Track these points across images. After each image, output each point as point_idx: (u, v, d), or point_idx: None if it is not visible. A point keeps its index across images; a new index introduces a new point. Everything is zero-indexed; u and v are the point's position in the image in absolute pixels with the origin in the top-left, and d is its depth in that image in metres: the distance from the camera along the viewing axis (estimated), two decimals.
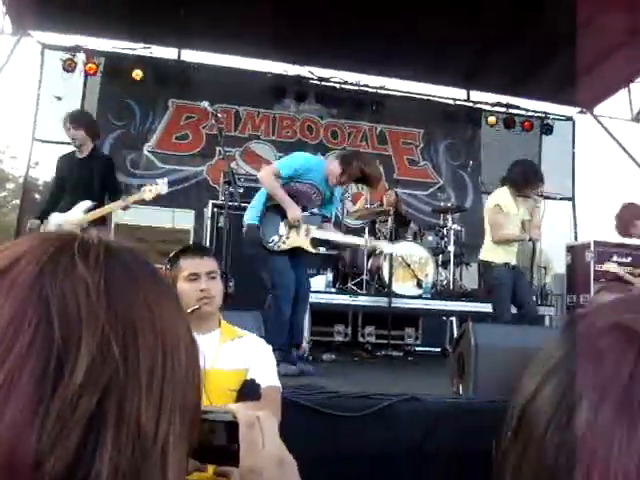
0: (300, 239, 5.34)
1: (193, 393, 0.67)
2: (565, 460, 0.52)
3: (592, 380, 0.54)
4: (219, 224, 6.69)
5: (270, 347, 2.95)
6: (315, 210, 5.51)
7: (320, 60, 10.57)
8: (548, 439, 0.54)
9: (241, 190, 6.87)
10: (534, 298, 10.62)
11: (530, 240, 6.19)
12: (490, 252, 6.13)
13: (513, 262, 6.12)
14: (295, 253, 5.33)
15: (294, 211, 5.21)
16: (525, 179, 6.08)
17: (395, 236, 7.60)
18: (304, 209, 5.33)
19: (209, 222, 7.23)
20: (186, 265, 2.82)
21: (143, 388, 0.60)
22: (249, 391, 2.65)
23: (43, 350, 0.56)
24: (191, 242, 7.63)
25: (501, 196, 6.16)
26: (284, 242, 5.24)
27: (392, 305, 6.82)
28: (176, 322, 0.67)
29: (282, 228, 5.24)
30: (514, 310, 6.33)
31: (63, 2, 8.25)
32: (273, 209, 5.24)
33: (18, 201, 12.47)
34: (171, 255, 2.91)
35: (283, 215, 5.23)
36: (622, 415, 0.51)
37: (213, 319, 2.86)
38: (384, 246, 6.60)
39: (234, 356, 2.76)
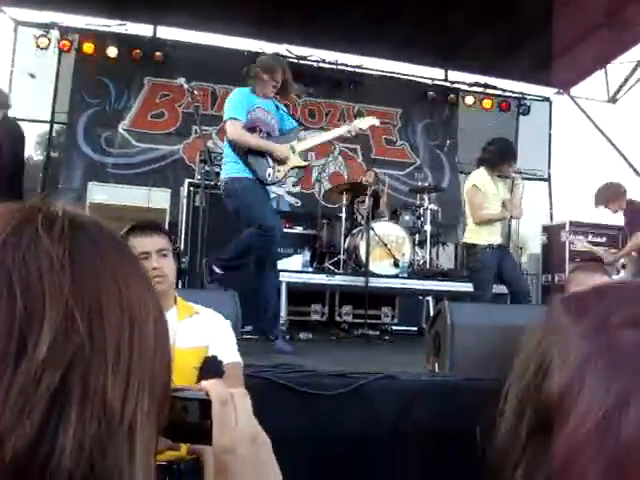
0: (292, 159, 5.32)
1: (162, 369, 0.66)
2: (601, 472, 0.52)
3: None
4: (195, 203, 6.65)
5: (229, 322, 2.90)
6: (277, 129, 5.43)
7: (298, 38, 10.50)
8: (583, 448, 0.54)
9: (218, 169, 6.84)
10: None
11: (512, 218, 6.23)
12: (473, 233, 6.13)
13: (497, 242, 6.12)
14: None
15: (278, 148, 5.21)
16: (500, 156, 6.09)
17: (373, 216, 7.59)
18: (269, 134, 5.29)
19: (185, 201, 7.18)
20: (136, 244, 2.68)
21: (109, 364, 0.59)
22: (211, 368, 2.61)
23: (5, 325, 0.55)
24: (166, 221, 7.58)
25: (478, 177, 6.16)
26: (279, 170, 5.22)
27: (369, 284, 6.82)
28: (144, 296, 0.65)
29: (270, 161, 5.20)
30: (503, 289, 6.41)
31: None
32: (251, 153, 5.17)
33: None
34: (120, 234, 2.81)
35: (262, 153, 5.19)
36: None
37: (168, 297, 2.78)
38: (361, 123, 5.94)
39: (193, 333, 2.71)
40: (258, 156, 5.16)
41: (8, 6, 9.58)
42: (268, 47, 10.52)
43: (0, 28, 9.91)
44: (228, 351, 2.76)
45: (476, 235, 6.08)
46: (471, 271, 6.50)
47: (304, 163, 5.46)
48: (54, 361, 0.55)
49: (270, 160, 5.18)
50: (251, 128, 5.18)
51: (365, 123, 5.88)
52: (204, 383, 0.84)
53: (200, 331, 2.75)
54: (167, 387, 0.68)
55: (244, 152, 5.13)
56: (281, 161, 5.22)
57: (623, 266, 7.70)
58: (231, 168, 5.20)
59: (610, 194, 7.13)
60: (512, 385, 0.65)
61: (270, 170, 5.17)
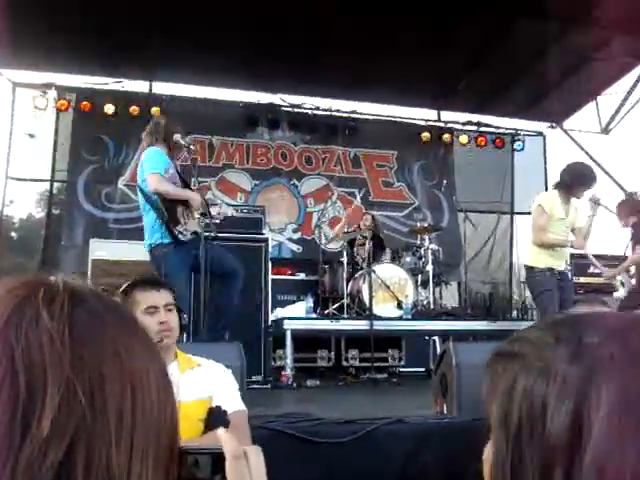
0: (194, 222, 5.34)
1: (167, 429, 0.67)
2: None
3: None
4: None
5: (230, 371, 2.92)
6: None
7: (291, 87, 10.65)
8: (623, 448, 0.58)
9: (217, 221, 6.89)
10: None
11: (571, 246, 5.96)
12: (533, 256, 5.93)
13: (560, 267, 5.89)
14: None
15: (195, 199, 5.31)
16: (575, 179, 5.86)
17: (374, 258, 7.63)
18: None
19: None
20: (143, 298, 2.78)
21: (112, 434, 0.60)
22: (216, 419, 2.62)
23: (9, 403, 0.57)
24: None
25: (546, 198, 5.98)
26: (187, 229, 5.23)
27: (374, 328, 6.83)
28: (146, 363, 0.67)
29: (183, 218, 5.22)
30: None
31: (33, 40, 8.26)
32: (168, 210, 5.18)
33: None
34: (123, 288, 2.87)
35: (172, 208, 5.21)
36: None
37: (170, 351, 2.82)
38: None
39: (196, 385, 2.73)
40: (173, 210, 5.19)
41: (5, 68, 9.75)
42: (263, 97, 10.68)
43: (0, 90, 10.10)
44: (231, 400, 2.77)
45: (535, 257, 5.89)
46: (533, 296, 6.24)
47: (213, 222, 5.42)
48: (58, 436, 0.57)
49: (183, 215, 5.23)
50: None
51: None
52: (220, 432, 0.84)
53: (202, 383, 2.76)
54: (173, 446, 0.69)
55: (161, 210, 5.15)
56: (191, 214, 5.28)
57: (622, 283, 7.65)
58: (151, 236, 5.21)
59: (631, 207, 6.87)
60: (495, 431, 0.68)
61: (180, 227, 5.19)
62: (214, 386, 2.77)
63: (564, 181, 5.91)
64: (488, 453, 0.72)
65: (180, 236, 5.17)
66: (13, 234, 12.25)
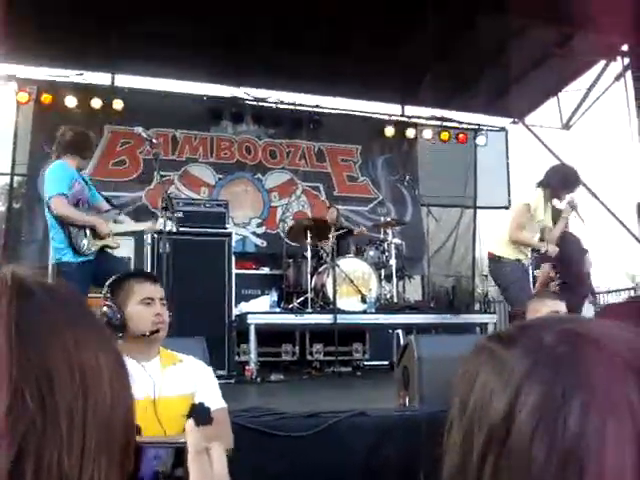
0: (108, 238, 5.29)
1: (122, 425, 0.66)
2: (556, 463, 0.57)
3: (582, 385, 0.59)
4: (160, 250, 6.64)
5: (210, 368, 2.95)
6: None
7: (255, 81, 10.63)
8: (536, 447, 0.58)
9: (180, 214, 6.85)
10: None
11: (545, 253, 5.93)
12: (502, 247, 5.88)
13: (525, 261, 5.91)
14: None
15: (102, 225, 5.17)
16: (564, 183, 5.86)
17: (338, 252, 7.65)
18: (85, 204, 5.25)
19: (149, 248, 7.16)
20: (140, 289, 2.82)
21: (64, 437, 0.59)
22: (199, 415, 2.60)
23: None
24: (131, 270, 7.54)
25: (534, 198, 5.89)
26: (95, 244, 5.15)
27: (338, 321, 6.85)
28: (98, 358, 0.65)
29: (88, 232, 5.12)
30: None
31: None
32: (72, 225, 5.11)
33: None
34: (116, 277, 2.89)
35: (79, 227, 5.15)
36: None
37: (155, 346, 2.84)
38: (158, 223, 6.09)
39: (178, 381, 2.75)
40: (77, 230, 5.10)
41: None
42: (226, 90, 10.64)
43: None
44: (214, 397, 2.80)
45: (505, 249, 5.84)
46: (503, 288, 6.17)
47: (114, 245, 5.37)
48: (6, 444, 0.56)
49: (88, 231, 5.13)
50: (75, 203, 5.15)
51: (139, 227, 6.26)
52: (186, 425, 0.84)
53: (184, 379, 2.78)
54: (129, 440, 0.68)
55: (67, 228, 5.07)
56: (99, 236, 5.19)
57: None
58: (62, 254, 5.12)
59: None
60: (454, 421, 0.69)
61: (85, 241, 5.11)
62: (196, 382, 2.80)
63: (551, 182, 5.87)
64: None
65: (86, 253, 5.09)
66: None
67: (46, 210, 5.23)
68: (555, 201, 5.98)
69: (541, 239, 6.05)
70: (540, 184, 5.92)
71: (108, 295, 2.83)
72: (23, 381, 0.58)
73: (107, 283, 2.88)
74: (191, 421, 0.84)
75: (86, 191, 5.30)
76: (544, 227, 6.01)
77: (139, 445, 0.75)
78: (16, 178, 10.01)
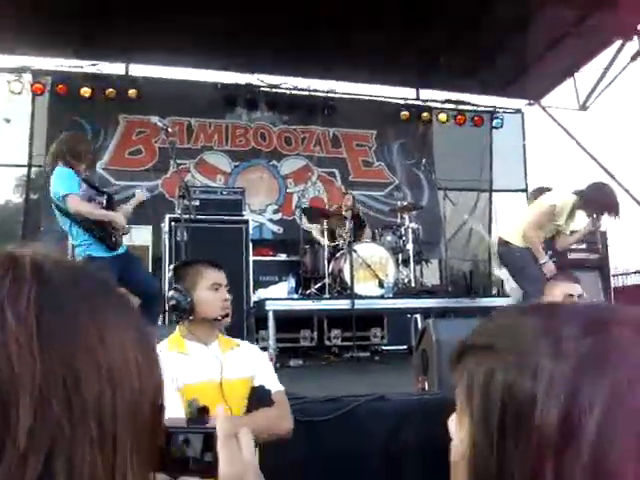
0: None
1: (151, 412, 0.66)
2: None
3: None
4: (177, 238, 6.68)
5: (266, 353, 3.12)
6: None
7: (269, 67, 10.61)
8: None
9: (197, 203, 6.89)
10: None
11: (542, 264, 5.75)
12: (513, 235, 5.85)
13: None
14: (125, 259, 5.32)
15: (118, 218, 5.22)
16: (601, 207, 5.73)
17: (354, 238, 7.65)
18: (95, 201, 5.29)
19: (167, 236, 7.20)
20: (209, 274, 2.92)
21: (94, 434, 0.58)
22: (260, 397, 2.78)
23: None
24: (149, 257, 7.61)
25: (563, 201, 5.77)
26: (120, 235, 5.26)
27: (355, 307, 6.86)
28: (125, 349, 0.63)
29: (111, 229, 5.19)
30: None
31: (7, 24, 8.14)
32: (95, 225, 5.14)
33: None
34: (183, 262, 3.00)
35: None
36: None
37: (215, 331, 2.95)
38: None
39: (239, 365, 2.85)
40: (101, 226, 5.15)
41: None
42: (240, 78, 10.62)
43: None
44: (272, 380, 2.91)
45: (515, 237, 5.82)
46: (512, 272, 6.16)
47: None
48: (35, 448, 0.54)
49: (110, 228, 5.19)
50: (87, 201, 5.17)
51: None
52: (218, 411, 0.85)
53: (244, 362, 2.88)
54: (157, 428, 0.68)
55: (89, 226, 5.11)
56: (119, 229, 5.25)
57: None
58: (84, 249, 5.17)
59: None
60: (477, 425, 0.68)
61: (117, 237, 5.21)
62: (254, 366, 2.90)
63: (589, 197, 5.73)
64: (457, 439, 0.73)
65: (116, 247, 5.17)
66: None
67: (57, 212, 5.26)
68: (581, 212, 5.88)
69: (550, 240, 5.99)
70: (578, 195, 5.76)
71: (173, 279, 2.95)
72: (47, 384, 0.56)
73: (172, 267, 2.97)
74: (220, 408, 0.85)
75: (92, 195, 5.30)
76: (560, 232, 5.94)
77: (169, 430, 0.76)
78: (33, 169, 10.06)
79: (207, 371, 2.73)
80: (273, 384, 2.89)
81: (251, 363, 2.89)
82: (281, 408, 2.82)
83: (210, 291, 2.88)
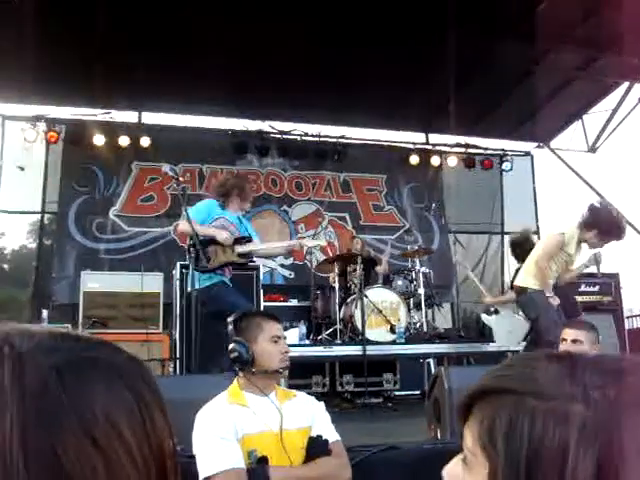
0: (227, 255, 5.55)
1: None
2: None
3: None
4: (188, 285, 6.69)
5: (322, 403, 3.05)
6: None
7: (280, 114, 10.74)
8: None
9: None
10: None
11: (556, 284, 5.81)
12: (528, 278, 5.82)
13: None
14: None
15: (222, 233, 5.48)
16: (605, 234, 5.68)
17: (366, 282, 7.64)
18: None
19: (178, 284, 7.22)
20: (269, 327, 2.96)
21: None
22: (318, 448, 2.78)
23: None
24: (161, 305, 7.63)
25: (570, 229, 5.77)
26: (213, 260, 5.45)
27: (367, 353, 6.82)
28: (122, 435, 0.59)
29: (209, 251, 5.43)
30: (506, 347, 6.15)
31: (21, 73, 8.30)
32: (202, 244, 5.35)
33: None
34: (242, 314, 3.01)
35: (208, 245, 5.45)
36: None
37: (276, 381, 3.01)
38: (310, 242, 6.62)
39: (296, 415, 2.87)
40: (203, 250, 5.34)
41: None
42: (251, 124, 10.75)
43: None
44: (329, 430, 2.92)
45: (530, 279, 5.79)
46: (532, 318, 6.07)
47: (240, 260, 5.67)
48: None
49: (209, 251, 5.42)
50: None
51: (313, 243, 6.61)
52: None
53: (301, 413, 2.90)
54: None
55: (199, 247, 5.28)
56: (222, 248, 5.50)
57: (496, 311, 7.66)
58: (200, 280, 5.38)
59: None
60: (503, 470, 0.67)
61: (204, 261, 5.33)
62: (311, 416, 2.92)
63: (597, 226, 5.66)
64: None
65: (209, 268, 5.43)
66: (5, 265, 12.26)
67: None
68: (584, 245, 5.86)
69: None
70: (584, 224, 5.71)
71: (233, 331, 2.98)
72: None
73: (231, 319, 2.99)
74: None
75: (233, 229, 5.68)
76: (567, 263, 5.90)
77: None
78: (46, 216, 10.16)
79: (266, 422, 2.76)
80: (330, 434, 2.89)
81: (308, 413, 2.91)
82: (340, 458, 2.84)
83: (270, 343, 2.92)
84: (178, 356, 6.65)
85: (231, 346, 2.93)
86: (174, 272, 7.58)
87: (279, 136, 10.90)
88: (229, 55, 8.49)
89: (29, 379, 0.57)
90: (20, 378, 0.57)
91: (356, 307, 7.31)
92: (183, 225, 5.42)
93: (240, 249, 5.64)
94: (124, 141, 9.81)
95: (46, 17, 7.46)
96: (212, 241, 5.46)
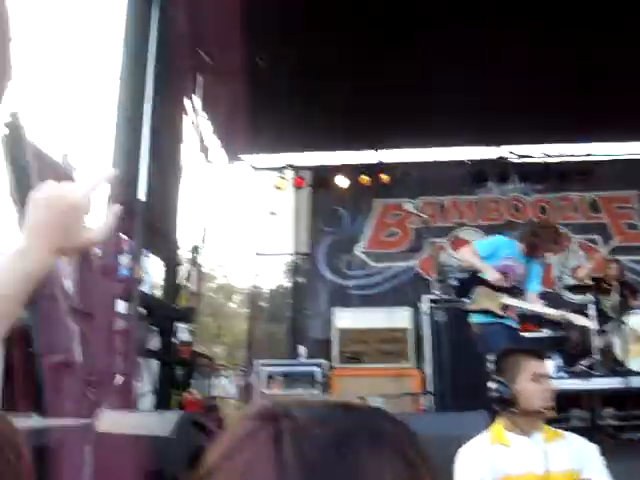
0: (488, 301, 5.34)
1: None
2: None
3: None
4: (436, 319, 6.73)
5: (595, 446, 2.86)
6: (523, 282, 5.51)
7: (519, 138, 10.49)
8: None
9: (455, 282, 6.90)
10: None
11: None
12: None
13: None
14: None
15: (493, 273, 5.26)
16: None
17: (624, 308, 7.18)
18: (515, 285, 5.41)
19: (426, 318, 7.27)
20: (530, 365, 2.86)
21: None
22: None
23: None
24: (410, 340, 7.72)
25: None
26: (473, 301, 5.32)
27: (630, 385, 6.39)
28: None
29: (475, 291, 5.31)
30: None
31: (269, 128, 8.90)
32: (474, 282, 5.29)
33: (246, 310, 13.36)
34: (503, 352, 3.02)
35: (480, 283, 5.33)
36: None
37: (541, 421, 2.87)
38: (578, 319, 6.16)
39: (564, 457, 2.74)
40: (473, 285, 5.31)
41: (247, 154, 10.64)
42: (489, 151, 10.62)
43: (241, 174, 11.09)
44: (602, 476, 2.74)
45: None
46: None
47: (498, 311, 5.36)
48: None
49: (476, 290, 5.33)
50: (500, 272, 5.32)
51: (578, 321, 6.03)
52: None
53: (570, 454, 2.77)
54: None
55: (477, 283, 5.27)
56: (488, 292, 5.32)
57: None
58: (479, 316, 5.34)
59: None
60: None
61: (467, 300, 5.33)
62: (583, 459, 2.76)
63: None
64: None
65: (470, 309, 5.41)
66: (263, 304, 13.12)
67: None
68: None
69: None
70: None
71: (494, 370, 2.95)
72: None
73: (493, 358, 3.00)
74: None
75: (520, 269, 5.48)
76: None
77: None
78: (298, 256, 10.78)
79: (529, 463, 2.67)
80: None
81: (578, 455, 2.74)
82: None
83: (531, 383, 2.81)
84: (431, 390, 6.68)
85: (491, 385, 2.87)
86: (420, 305, 7.66)
87: (518, 160, 10.65)
88: (470, 84, 8.41)
89: (309, 453, 0.58)
90: (301, 453, 0.58)
91: (615, 335, 6.90)
92: (467, 253, 5.40)
93: (507, 301, 5.42)
94: (365, 180, 10.16)
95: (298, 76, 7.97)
96: (481, 282, 5.33)
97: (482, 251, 5.34)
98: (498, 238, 5.63)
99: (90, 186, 1.01)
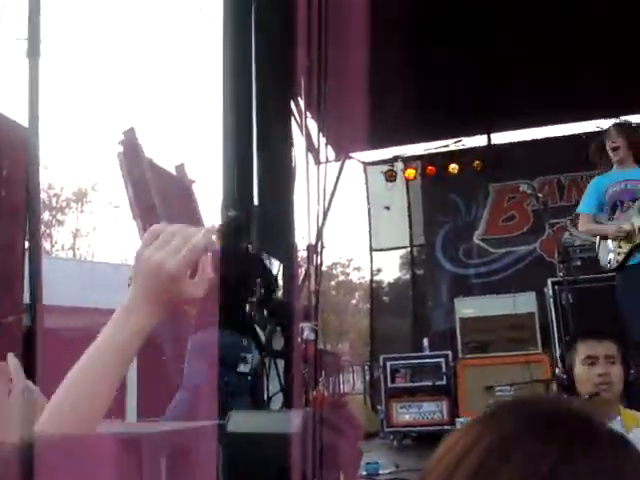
0: (633, 237, 4.64)
1: None
2: None
3: None
4: (562, 302, 6.50)
5: None
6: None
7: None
8: None
9: (579, 262, 6.66)
10: None
11: None
12: None
13: None
14: None
15: (611, 227, 4.71)
16: None
17: None
18: (623, 204, 4.77)
19: (551, 301, 7.05)
20: (582, 348, 2.75)
21: None
22: None
23: None
24: (537, 325, 7.50)
25: None
26: (619, 253, 4.68)
27: None
28: None
29: (610, 244, 4.73)
30: None
31: (380, 123, 8.82)
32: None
33: (368, 305, 13.43)
34: (569, 338, 2.93)
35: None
36: None
37: (613, 406, 2.72)
38: None
39: None
40: (604, 244, 4.83)
41: (356, 152, 10.66)
42: (604, 123, 10.15)
43: (353, 171, 11.18)
44: None
45: None
46: None
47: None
48: None
49: (611, 243, 4.73)
50: (612, 208, 4.83)
51: None
52: None
53: None
54: None
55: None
56: (626, 239, 4.66)
57: None
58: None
59: None
60: None
61: (611, 255, 4.72)
62: None
63: None
64: None
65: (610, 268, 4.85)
66: (385, 298, 13.15)
67: None
68: None
69: None
70: None
71: (563, 355, 2.89)
72: None
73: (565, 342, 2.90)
74: None
75: (630, 186, 4.83)
76: None
77: None
78: (415, 248, 10.72)
79: None
80: None
81: None
82: None
83: (583, 366, 2.70)
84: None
85: (555, 372, 2.76)
86: (545, 289, 7.44)
87: None
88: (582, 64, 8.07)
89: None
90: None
91: None
92: (581, 225, 4.99)
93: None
94: (478, 165, 9.96)
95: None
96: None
97: (587, 209, 4.90)
98: (590, 184, 5.09)
99: (190, 253, 1.02)
